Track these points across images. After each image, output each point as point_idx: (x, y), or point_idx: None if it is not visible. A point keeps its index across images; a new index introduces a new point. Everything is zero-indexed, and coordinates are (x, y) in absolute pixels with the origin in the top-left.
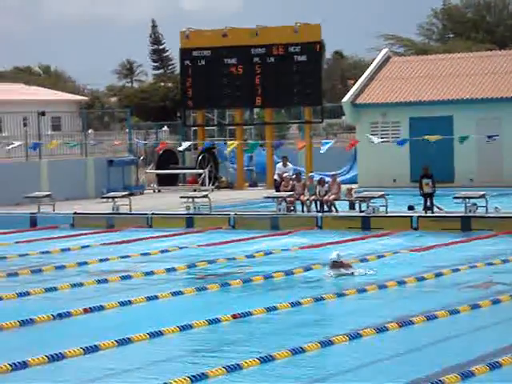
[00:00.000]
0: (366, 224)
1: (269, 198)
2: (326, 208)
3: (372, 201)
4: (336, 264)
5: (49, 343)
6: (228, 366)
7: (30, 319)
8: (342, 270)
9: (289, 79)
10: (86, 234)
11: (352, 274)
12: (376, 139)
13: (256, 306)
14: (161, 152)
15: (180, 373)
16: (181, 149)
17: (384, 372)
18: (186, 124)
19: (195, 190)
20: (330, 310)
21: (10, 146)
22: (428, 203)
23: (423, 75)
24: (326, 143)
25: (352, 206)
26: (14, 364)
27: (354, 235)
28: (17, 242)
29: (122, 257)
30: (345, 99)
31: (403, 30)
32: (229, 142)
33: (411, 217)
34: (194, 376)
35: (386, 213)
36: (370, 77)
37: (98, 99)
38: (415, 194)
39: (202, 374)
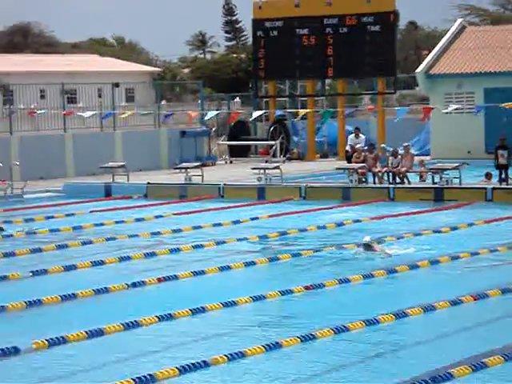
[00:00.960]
0: (438, 196)
1: (340, 169)
2: (398, 180)
3: (445, 172)
4: (368, 247)
5: (123, 312)
6: (302, 336)
7: (105, 288)
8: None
9: (361, 50)
10: (158, 204)
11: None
12: (449, 108)
13: (328, 278)
14: (233, 123)
15: (255, 342)
16: (252, 119)
17: (455, 344)
18: (257, 95)
19: (267, 162)
20: (402, 283)
21: (85, 115)
22: (503, 175)
23: (498, 45)
24: (401, 111)
25: (423, 178)
26: (91, 332)
27: (426, 207)
28: (91, 212)
29: (194, 227)
30: (419, 70)
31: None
32: (298, 111)
33: (485, 189)
34: (267, 345)
35: (460, 184)
36: (445, 47)
37: (171, 70)
38: (490, 165)
39: (276, 343)
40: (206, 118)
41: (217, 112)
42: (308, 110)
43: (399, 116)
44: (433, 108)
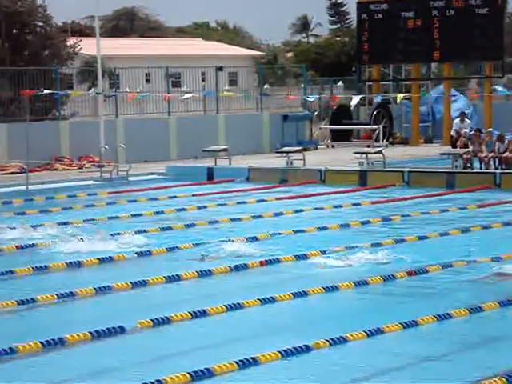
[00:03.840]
0: None
1: (445, 154)
2: (504, 166)
3: None
4: None
5: (228, 295)
6: (405, 323)
7: (208, 271)
8: None
9: (468, 33)
10: (260, 188)
11: None
12: None
13: (432, 263)
14: (335, 107)
15: (357, 327)
16: (352, 103)
17: None
18: (361, 79)
19: (369, 146)
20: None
21: (184, 96)
22: None
23: None
24: (502, 92)
25: None
26: (195, 313)
27: None
28: (194, 195)
29: (296, 211)
30: None
31: None
32: (398, 95)
33: None
34: (369, 331)
35: None
36: None
37: (274, 54)
38: None
39: (378, 329)
40: (307, 100)
41: (318, 96)
42: (402, 95)
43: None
44: None
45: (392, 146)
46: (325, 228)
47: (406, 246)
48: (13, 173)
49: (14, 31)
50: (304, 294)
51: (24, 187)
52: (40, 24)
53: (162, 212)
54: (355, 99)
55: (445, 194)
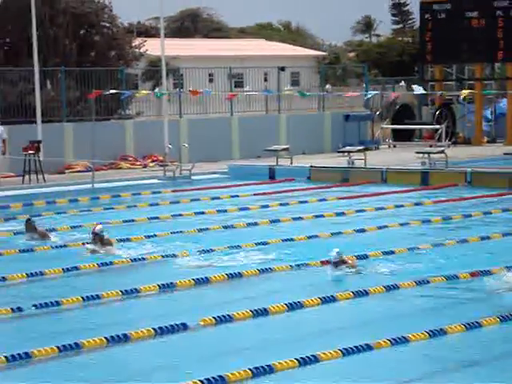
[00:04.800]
0: None
1: (508, 154)
2: None
3: None
4: (338, 263)
5: (288, 293)
6: (468, 324)
7: (269, 268)
8: (345, 268)
9: None
10: (321, 187)
11: (356, 271)
12: None
13: (494, 263)
14: (397, 107)
15: (419, 327)
16: (415, 92)
17: None
18: (423, 79)
19: (431, 146)
20: None
21: (246, 93)
22: None
23: None
24: None
25: None
26: (256, 311)
27: None
28: (255, 194)
29: (358, 211)
30: None
31: None
32: (462, 91)
33: None
34: (431, 331)
35: None
36: None
37: (336, 54)
38: None
39: (441, 329)
40: (366, 98)
41: (375, 92)
42: (467, 92)
43: None
44: None
45: (454, 146)
46: (386, 227)
47: (468, 247)
48: (79, 171)
49: (81, 32)
50: (365, 293)
51: (90, 185)
52: (106, 25)
53: (225, 211)
54: (418, 89)
55: (508, 194)
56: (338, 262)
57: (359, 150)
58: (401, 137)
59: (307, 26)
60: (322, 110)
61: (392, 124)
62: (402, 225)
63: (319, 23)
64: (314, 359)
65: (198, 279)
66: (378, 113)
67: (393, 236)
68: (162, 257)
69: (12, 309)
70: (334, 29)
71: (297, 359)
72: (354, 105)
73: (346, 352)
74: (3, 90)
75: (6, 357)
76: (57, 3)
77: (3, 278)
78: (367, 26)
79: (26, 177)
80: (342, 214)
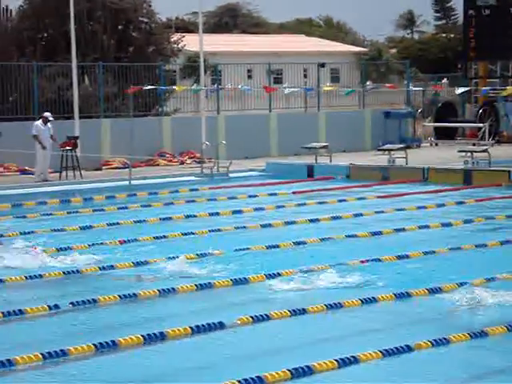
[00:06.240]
0: None
1: None
2: None
3: None
4: None
5: (327, 293)
6: (509, 326)
7: (308, 269)
8: None
9: None
10: (361, 185)
11: None
12: None
13: None
14: (440, 105)
15: (460, 329)
16: (457, 92)
17: None
18: (466, 76)
19: (474, 145)
20: None
21: (287, 91)
22: None
23: None
24: None
25: None
26: (294, 311)
27: None
28: (294, 193)
29: (398, 209)
30: None
31: None
32: (508, 87)
33: None
34: (473, 333)
35: None
36: None
37: (378, 51)
38: None
39: (482, 331)
40: (410, 97)
41: (418, 89)
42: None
43: None
44: None
45: (498, 145)
46: (427, 227)
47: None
48: (116, 168)
49: (120, 27)
50: (407, 295)
51: (127, 182)
52: (145, 20)
53: (262, 209)
54: (461, 89)
55: None
56: None
57: (400, 148)
58: (443, 135)
59: (348, 21)
60: (363, 107)
61: (435, 121)
62: (443, 224)
63: (361, 19)
64: (354, 360)
65: (235, 279)
66: (419, 110)
67: (433, 236)
68: (197, 256)
69: (49, 306)
70: (376, 25)
71: (336, 360)
72: (394, 102)
73: (386, 353)
74: (41, 86)
75: (42, 354)
76: None
77: (40, 275)
78: (410, 21)
79: (63, 173)
80: (382, 212)
